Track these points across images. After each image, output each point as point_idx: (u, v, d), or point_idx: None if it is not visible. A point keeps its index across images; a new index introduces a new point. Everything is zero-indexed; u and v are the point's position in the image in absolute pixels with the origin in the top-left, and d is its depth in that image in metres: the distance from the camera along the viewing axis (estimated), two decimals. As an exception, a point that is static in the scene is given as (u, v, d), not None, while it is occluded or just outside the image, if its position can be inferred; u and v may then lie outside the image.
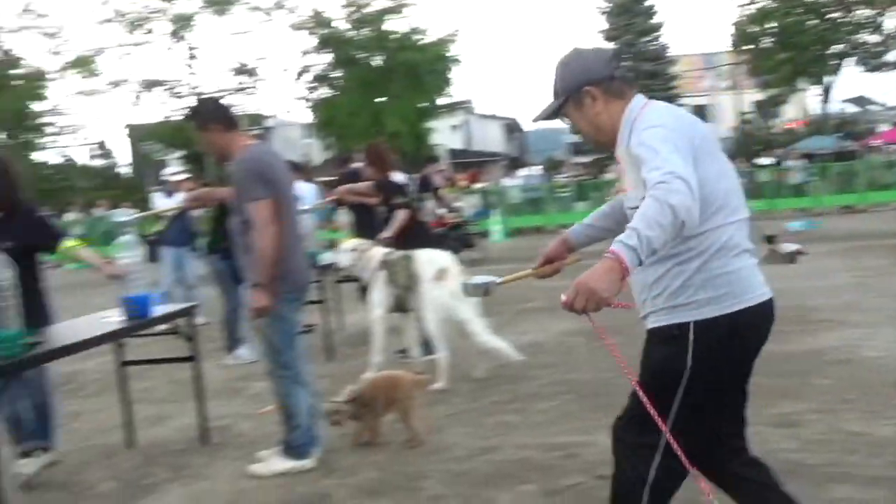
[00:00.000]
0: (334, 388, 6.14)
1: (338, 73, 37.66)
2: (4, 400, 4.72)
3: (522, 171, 34.92)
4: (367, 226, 8.42)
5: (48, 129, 41.34)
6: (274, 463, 4.67)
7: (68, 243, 4.93)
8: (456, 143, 45.48)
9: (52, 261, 5.20)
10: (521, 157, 51.80)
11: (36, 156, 39.99)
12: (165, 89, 39.23)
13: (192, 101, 38.18)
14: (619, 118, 2.76)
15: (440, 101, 37.87)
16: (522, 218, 25.17)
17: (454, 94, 39.22)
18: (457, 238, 15.82)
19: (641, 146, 2.54)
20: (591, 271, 2.36)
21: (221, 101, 4.99)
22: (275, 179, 4.48)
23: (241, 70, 38.85)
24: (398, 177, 7.66)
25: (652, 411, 2.51)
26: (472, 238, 16.77)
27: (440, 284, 6.28)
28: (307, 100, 38.63)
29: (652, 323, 2.74)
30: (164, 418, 6.11)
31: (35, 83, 39.27)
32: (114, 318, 4.84)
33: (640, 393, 2.56)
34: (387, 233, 7.24)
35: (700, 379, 2.64)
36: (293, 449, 4.67)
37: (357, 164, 9.48)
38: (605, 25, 43.10)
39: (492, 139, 51.59)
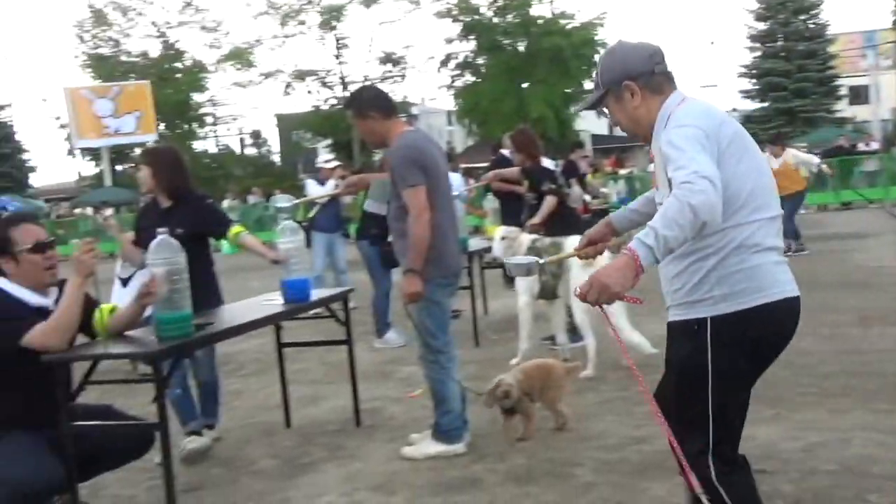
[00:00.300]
0: (481, 374, 6.21)
1: (481, 60, 37.78)
2: (175, 379, 4.96)
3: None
4: (513, 213, 8.42)
5: (207, 120, 43.25)
6: (425, 446, 4.74)
7: (233, 230, 5.13)
8: (600, 128, 44.89)
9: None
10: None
11: (195, 145, 41.89)
12: (315, 79, 40.33)
13: (340, 91, 39.09)
14: (657, 113, 2.79)
15: (586, 85, 37.44)
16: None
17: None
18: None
19: (669, 145, 2.57)
20: (607, 267, 2.45)
21: (380, 89, 5.05)
22: (431, 166, 4.51)
23: (388, 59, 39.50)
24: (547, 163, 7.62)
25: (665, 426, 2.61)
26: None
27: (589, 271, 6.19)
28: (451, 87, 38.94)
29: (672, 316, 2.81)
30: (318, 399, 6.30)
31: (195, 75, 41.13)
32: (276, 301, 5.01)
33: (668, 433, 2.61)
34: (535, 219, 7.22)
35: (722, 373, 2.68)
36: (444, 433, 4.73)
37: (505, 151, 9.51)
38: (756, 5, 41.59)
39: (637, 124, 50.52)
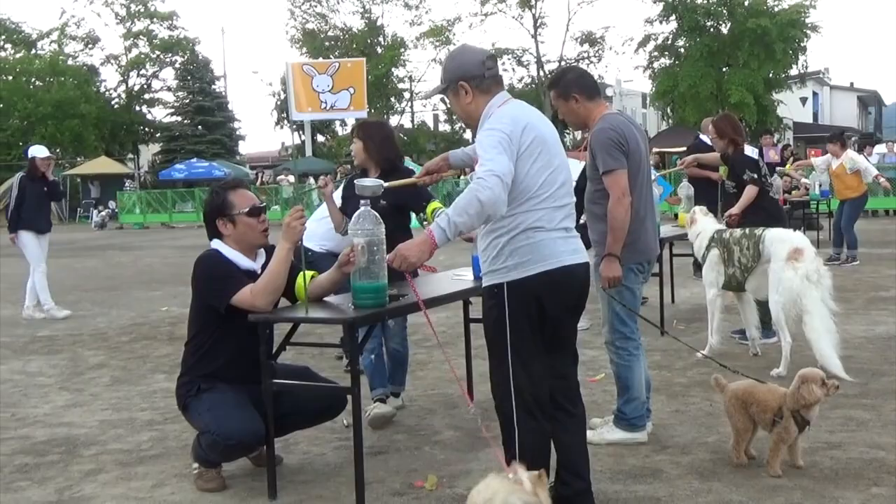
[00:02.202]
0: (665, 363, 6.10)
1: (681, 42, 36.73)
2: (371, 345, 5.13)
3: (879, 148, 32.01)
4: (709, 200, 8.20)
5: (404, 95, 44.25)
6: (607, 432, 4.69)
7: (431, 205, 5.23)
8: (803, 116, 42.78)
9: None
10: (875, 133, 47.69)
11: (392, 120, 43.00)
12: (511, 57, 40.45)
13: (535, 70, 39.01)
14: (483, 109, 3.45)
15: (791, 70, 35.74)
16: (874, 199, 23.08)
17: (808, 63, 36.87)
18: (800, 217, 14.89)
19: (479, 143, 3.28)
20: (410, 242, 3.34)
21: (584, 70, 5.00)
22: (633, 149, 4.43)
23: (586, 39, 39.08)
24: (749, 151, 7.34)
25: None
26: (817, 218, 15.66)
27: (793, 265, 5.92)
28: (648, 69, 38.09)
29: (483, 282, 3.51)
30: (501, 376, 6.34)
31: (395, 51, 42.12)
32: (466, 277, 5.08)
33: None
34: (735, 210, 6.97)
35: (518, 326, 3.37)
36: (627, 421, 4.67)
37: (704, 136, 9.25)
38: None
39: (842, 113, 47.93)
